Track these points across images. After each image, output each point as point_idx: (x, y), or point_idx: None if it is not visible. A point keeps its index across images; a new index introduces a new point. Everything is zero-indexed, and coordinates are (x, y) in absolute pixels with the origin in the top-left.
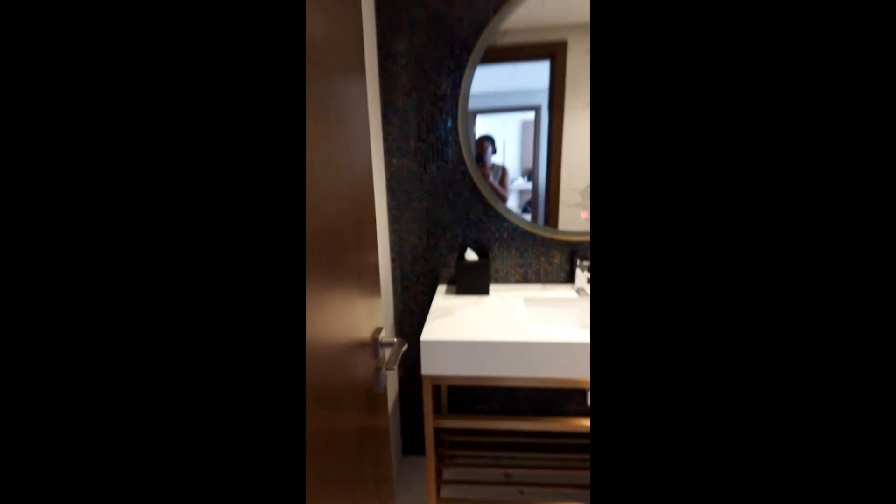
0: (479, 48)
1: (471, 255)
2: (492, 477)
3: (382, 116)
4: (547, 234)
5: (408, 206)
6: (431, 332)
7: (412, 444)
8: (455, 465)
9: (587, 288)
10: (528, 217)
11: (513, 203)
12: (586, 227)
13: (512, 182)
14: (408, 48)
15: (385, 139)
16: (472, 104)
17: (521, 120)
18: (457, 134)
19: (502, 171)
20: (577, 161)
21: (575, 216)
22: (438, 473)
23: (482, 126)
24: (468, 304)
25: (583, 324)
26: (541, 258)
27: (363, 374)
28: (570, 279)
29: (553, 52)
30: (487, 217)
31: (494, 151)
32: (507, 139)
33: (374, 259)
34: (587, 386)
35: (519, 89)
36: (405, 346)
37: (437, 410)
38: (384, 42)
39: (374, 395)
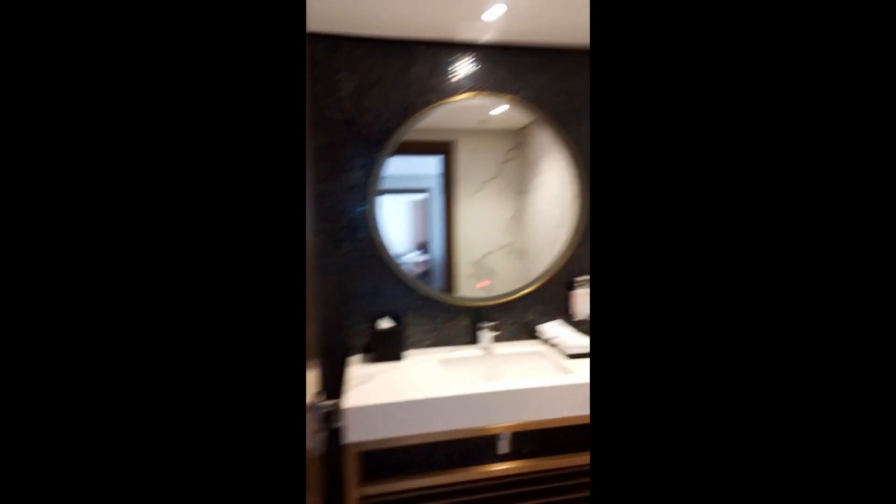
0: (391, 145)
1: (385, 324)
2: None
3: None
4: (452, 301)
5: (323, 280)
6: (354, 397)
7: None
8: None
9: (490, 347)
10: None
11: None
12: (482, 294)
13: (405, 255)
14: (326, 142)
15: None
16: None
17: (410, 200)
18: (366, 216)
19: None
20: (469, 237)
21: (471, 285)
22: None
23: (385, 204)
24: (386, 370)
25: (489, 377)
26: (448, 323)
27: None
28: (474, 340)
29: (446, 149)
30: (398, 288)
31: None
32: (397, 216)
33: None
34: (504, 431)
35: (413, 174)
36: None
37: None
38: (308, 137)
39: (313, 459)
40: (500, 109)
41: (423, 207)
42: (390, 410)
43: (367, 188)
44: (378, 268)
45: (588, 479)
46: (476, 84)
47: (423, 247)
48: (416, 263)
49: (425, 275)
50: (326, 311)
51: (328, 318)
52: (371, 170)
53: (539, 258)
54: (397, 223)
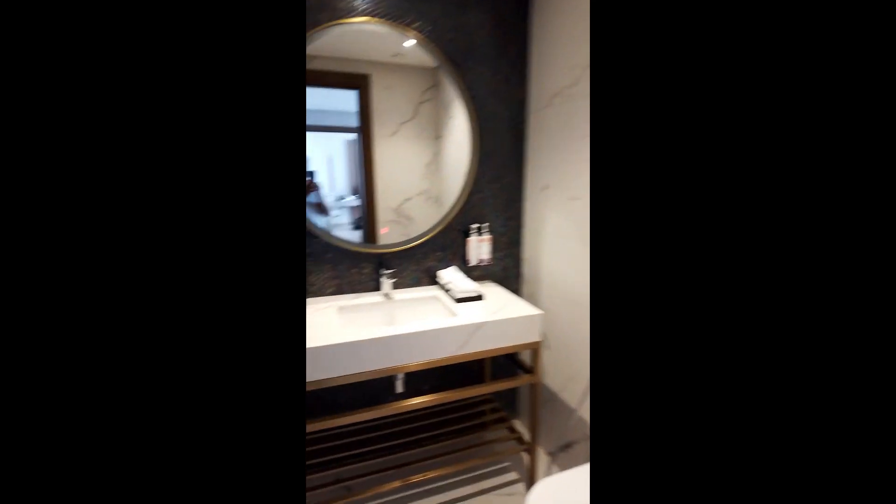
0: None
1: None
2: (322, 481)
3: None
4: (356, 248)
5: None
6: None
7: None
8: None
9: (391, 293)
10: (358, 233)
11: (345, 219)
12: (388, 240)
13: (342, 199)
14: None
15: None
16: None
17: (345, 139)
18: None
19: (317, 187)
20: (389, 182)
21: (389, 231)
22: None
23: (312, 143)
24: None
25: (388, 323)
26: (352, 270)
27: None
28: (377, 287)
29: (359, 84)
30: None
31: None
32: (335, 157)
33: None
34: (397, 372)
35: (339, 110)
36: None
37: None
38: None
39: None
40: (410, 44)
41: (356, 148)
42: None
43: None
44: None
45: (479, 409)
46: (371, 8)
47: (356, 190)
48: (353, 208)
49: (359, 220)
50: None
51: None
52: None
53: (450, 205)
54: (334, 164)
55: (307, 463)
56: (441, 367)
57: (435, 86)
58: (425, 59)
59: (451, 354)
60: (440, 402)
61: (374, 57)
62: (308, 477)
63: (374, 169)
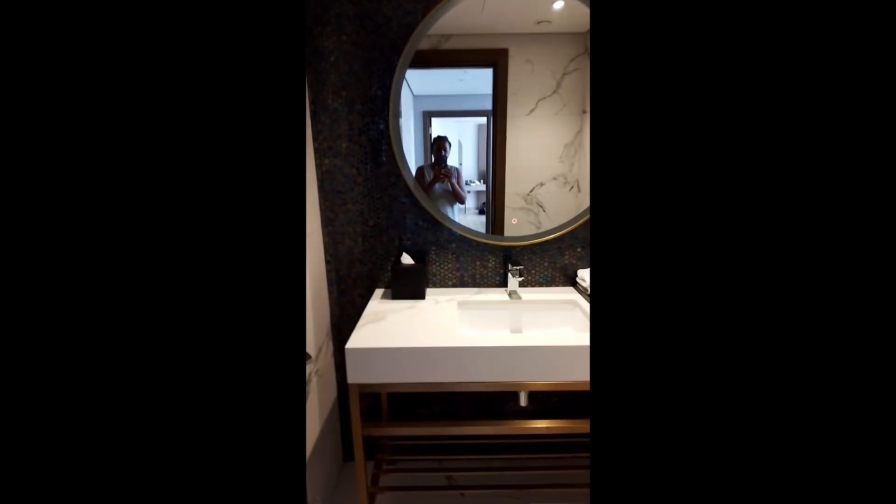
0: (408, 51)
1: (406, 260)
2: (433, 482)
3: (311, 114)
4: (482, 239)
5: (342, 207)
6: (358, 339)
7: (352, 450)
8: (395, 471)
9: (519, 291)
10: (482, 218)
11: (471, 204)
12: (517, 232)
13: (469, 184)
14: (336, 46)
15: (315, 138)
16: (426, 106)
17: (476, 123)
18: (388, 137)
19: (458, 173)
20: (521, 167)
21: (509, 221)
22: (375, 480)
23: (439, 129)
24: (402, 309)
25: (513, 327)
26: (476, 262)
27: None
28: (503, 283)
29: (495, 60)
30: (424, 222)
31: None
32: (463, 141)
33: None
34: (520, 388)
35: (471, 93)
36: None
37: (377, 416)
38: (310, 37)
39: None
40: (559, 6)
41: (485, 132)
42: (391, 356)
43: (388, 103)
44: (403, 198)
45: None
46: None
47: (482, 176)
48: (478, 194)
49: (483, 206)
50: (350, 241)
51: (351, 248)
52: (389, 81)
53: None
54: (463, 149)
55: (418, 459)
56: (573, 391)
57: (585, 52)
58: (577, 21)
59: (588, 379)
60: (571, 431)
61: (514, 28)
62: (418, 474)
63: (505, 153)
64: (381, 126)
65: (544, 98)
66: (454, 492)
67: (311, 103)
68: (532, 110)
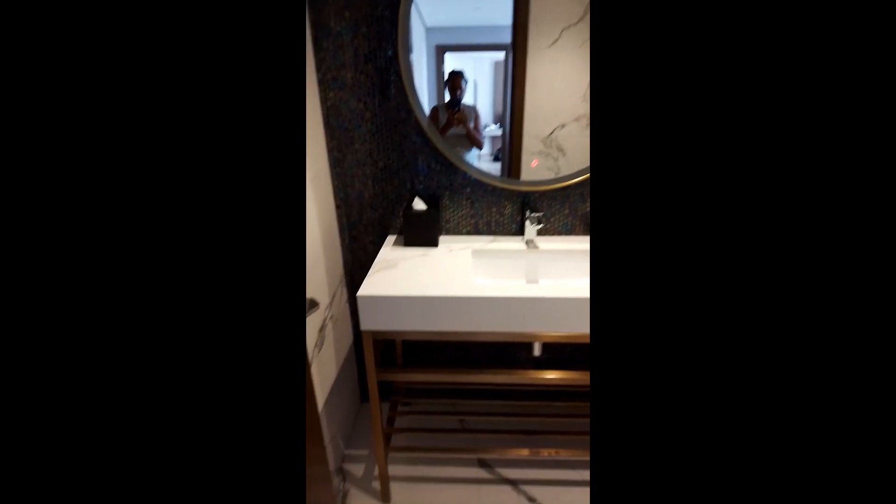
0: None
1: (419, 205)
2: (446, 424)
3: (313, 40)
4: (498, 184)
5: (349, 147)
6: (370, 286)
7: (369, 392)
8: (410, 413)
9: (536, 240)
10: (497, 165)
11: (485, 150)
12: (536, 176)
13: (485, 128)
14: None
15: (318, 68)
16: (439, 39)
17: (492, 60)
18: (398, 65)
19: (476, 114)
20: (541, 107)
21: (527, 165)
22: (390, 422)
23: (453, 66)
24: (415, 256)
25: (529, 277)
26: (492, 209)
27: None
28: (520, 231)
29: None
30: (437, 164)
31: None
32: (479, 81)
33: None
34: (533, 339)
35: (489, 24)
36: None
37: (392, 361)
38: None
39: None
40: None
41: (502, 69)
42: (403, 304)
43: (397, 25)
44: (415, 136)
45: None
46: None
47: (498, 119)
48: (494, 139)
49: (498, 151)
50: (360, 184)
51: (361, 192)
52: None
53: None
54: (478, 89)
55: (432, 402)
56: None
57: None
58: None
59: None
60: (583, 382)
61: None
62: (432, 417)
63: (524, 90)
64: (390, 52)
65: (569, 26)
66: (467, 434)
67: (311, 26)
68: (555, 41)
